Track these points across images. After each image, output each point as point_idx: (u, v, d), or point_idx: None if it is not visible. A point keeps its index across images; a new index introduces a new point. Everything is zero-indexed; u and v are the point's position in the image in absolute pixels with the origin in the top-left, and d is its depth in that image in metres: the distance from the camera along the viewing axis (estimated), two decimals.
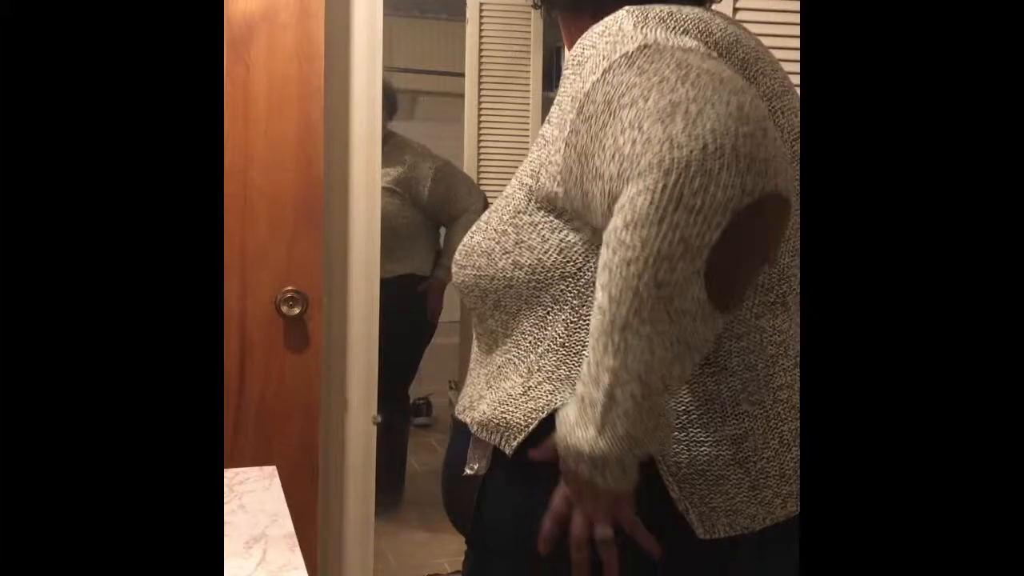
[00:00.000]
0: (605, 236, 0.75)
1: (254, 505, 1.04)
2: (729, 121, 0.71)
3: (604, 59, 0.82)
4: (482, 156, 3.24)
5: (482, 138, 3.23)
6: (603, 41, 0.84)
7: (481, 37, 3.20)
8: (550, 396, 0.88)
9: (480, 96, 3.21)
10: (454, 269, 0.98)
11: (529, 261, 0.89)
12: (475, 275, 0.93)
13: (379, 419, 1.80)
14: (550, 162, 0.86)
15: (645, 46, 0.80)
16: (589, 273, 0.87)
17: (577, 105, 0.82)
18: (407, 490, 3.09)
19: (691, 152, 0.70)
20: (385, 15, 1.72)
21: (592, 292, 0.87)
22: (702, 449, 0.85)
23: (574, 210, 0.86)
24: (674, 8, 0.86)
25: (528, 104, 3.25)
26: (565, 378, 0.88)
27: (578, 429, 0.78)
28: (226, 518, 0.99)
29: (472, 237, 0.95)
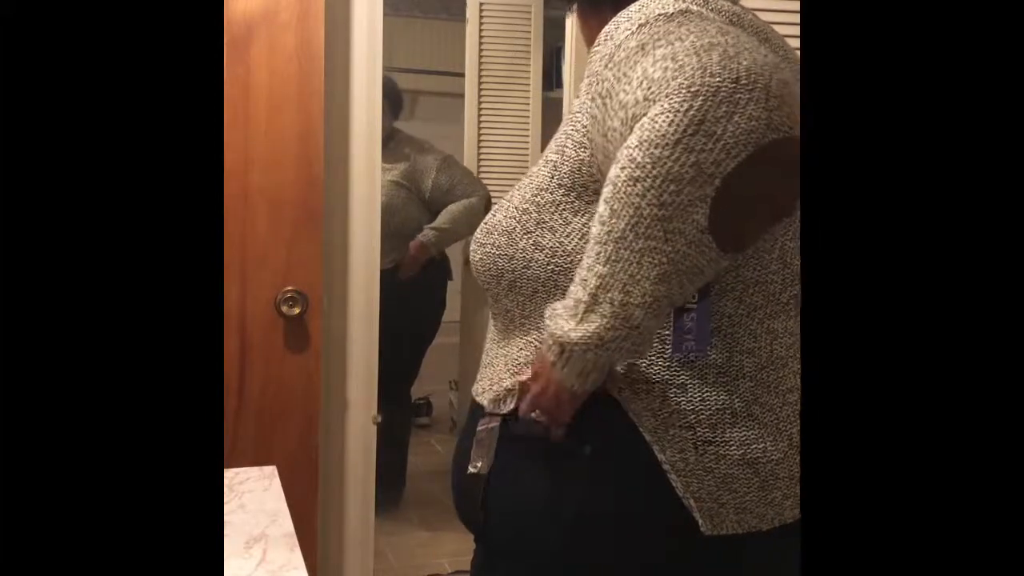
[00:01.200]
0: (617, 153, 0.75)
1: (254, 505, 1.04)
2: (765, 66, 0.72)
3: (639, 21, 0.83)
4: (482, 156, 3.24)
5: (482, 138, 3.23)
6: (635, 12, 0.86)
7: (481, 37, 3.19)
8: None
9: (480, 96, 3.21)
10: (472, 247, 0.97)
11: (550, 243, 0.88)
12: (494, 254, 0.92)
13: (379, 419, 1.80)
14: (576, 129, 0.86)
15: (686, 11, 0.81)
16: None
17: (605, 60, 0.82)
18: (407, 490, 3.09)
19: (723, 80, 0.70)
20: (385, 15, 1.72)
21: None
22: (709, 448, 0.85)
23: (599, 172, 0.85)
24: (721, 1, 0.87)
25: (528, 104, 3.25)
26: None
27: (559, 319, 0.80)
28: (226, 518, 0.99)
29: (494, 216, 0.94)
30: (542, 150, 3.32)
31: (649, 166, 0.72)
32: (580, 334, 0.78)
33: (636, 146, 0.72)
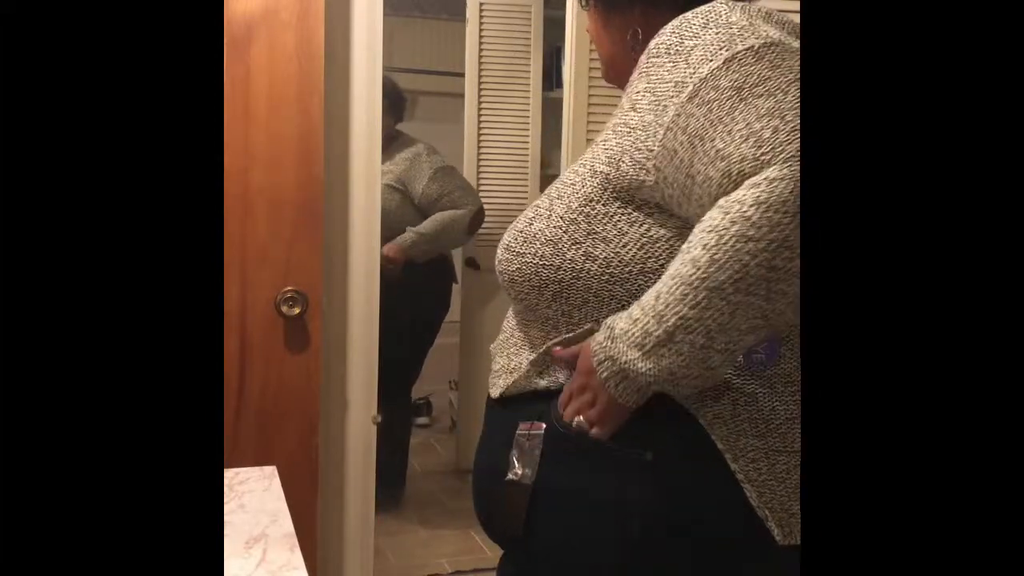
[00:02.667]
0: (722, 202, 0.75)
1: (254, 505, 1.04)
2: None
3: (722, 49, 0.81)
4: (482, 156, 3.24)
5: (482, 138, 3.23)
6: (710, 33, 0.83)
7: (481, 37, 3.19)
8: None
9: (480, 96, 3.21)
10: (505, 256, 0.94)
11: (604, 254, 0.87)
12: (536, 264, 0.90)
13: (379, 419, 1.80)
14: (638, 148, 0.85)
15: (771, 44, 0.80)
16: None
17: (688, 91, 0.81)
18: (407, 490, 3.09)
19: None
20: (385, 15, 1.72)
21: None
22: (780, 458, 0.85)
23: (664, 198, 0.84)
24: (758, 4, 0.87)
25: (528, 104, 3.25)
26: None
27: (621, 343, 0.79)
28: (226, 518, 0.99)
29: (531, 224, 0.92)
30: (542, 150, 3.31)
31: (766, 229, 0.72)
32: (650, 367, 0.78)
33: (752, 205, 0.73)
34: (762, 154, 0.74)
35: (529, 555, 0.94)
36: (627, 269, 0.86)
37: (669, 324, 0.76)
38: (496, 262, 0.97)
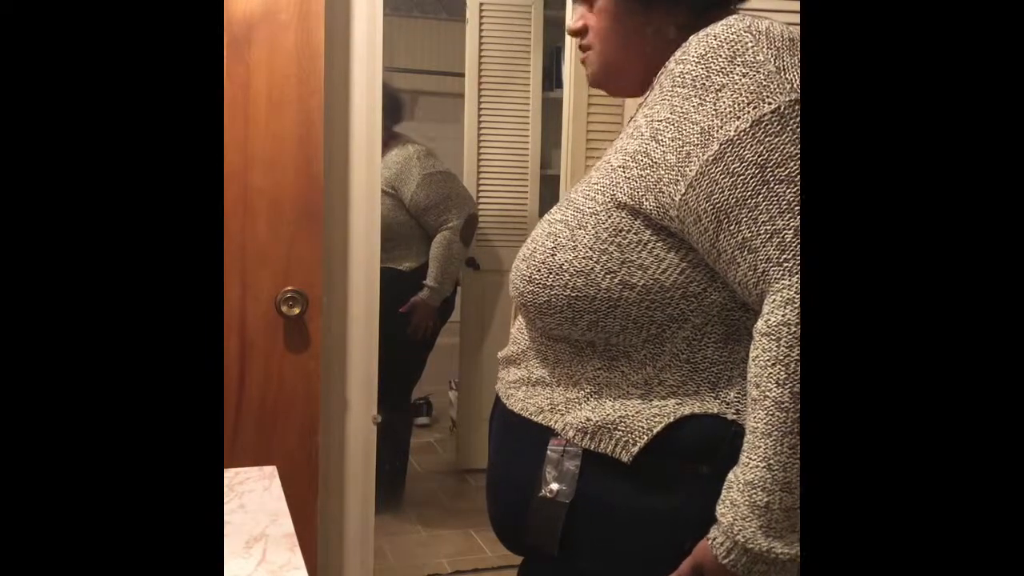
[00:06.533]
0: (776, 329, 0.78)
1: (254, 505, 1.04)
2: None
3: (749, 105, 0.80)
4: (482, 156, 3.24)
5: (482, 138, 3.23)
6: (737, 72, 0.81)
7: (481, 37, 3.19)
8: (677, 407, 0.87)
9: (480, 96, 3.21)
10: (528, 288, 0.92)
11: (642, 281, 0.86)
12: (569, 296, 0.89)
13: (379, 419, 1.80)
14: (661, 191, 0.84)
15: (795, 102, 0.80)
16: (714, 293, 0.86)
17: (713, 151, 0.80)
18: (407, 490, 3.09)
19: None
20: (385, 15, 1.72)
21: (718, 312, 0.86)
22: None
23: (695, 244, 0.84)
24: (778, 25, 0.85)
25: (528, 104, 3.25)
26: (693, 393, 0.88)
27: (750, 527, 0.78)
28: (226, 518, 0.99)
29: (554, 255, 0.90)
30: (542, 150, 3.29)
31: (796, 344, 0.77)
32: (794, 553, 0.78)
33: (795, 325, 0.77)
34: (785, 259, 0.78)
35: (570, 572, 0.93)
36: (668, 294, 0.86)
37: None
38: (516, 293, 0.95)
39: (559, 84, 3.18)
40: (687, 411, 0.87)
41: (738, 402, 0.87)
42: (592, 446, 0.89)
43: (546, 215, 0.98)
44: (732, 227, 0.80)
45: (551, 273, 0.90)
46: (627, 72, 0.98)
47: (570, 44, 2.51)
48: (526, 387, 0.96)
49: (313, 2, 1.55)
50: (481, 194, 3.23)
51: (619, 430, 0.88)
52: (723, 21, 0.85)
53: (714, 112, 0.81)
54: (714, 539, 0.81)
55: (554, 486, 0.90)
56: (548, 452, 0.91)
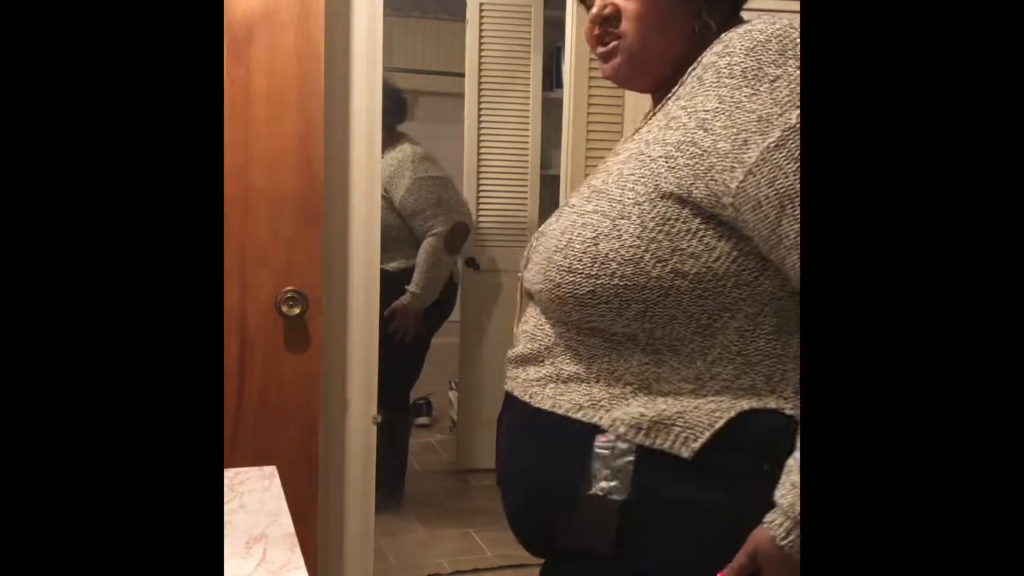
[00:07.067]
0: None
1: (254, 505, 1.04)
2: None
3: (786, 107, 0.80)
4: (482, 156, 3.24)
5: (482, 138, 3.23)
6: (791, 65, 0.81)
7: (481, 37, 3.19)
8: (733, 402, 0.86)
9: (480, 96, 3.21)
10: (568, 278, 0.88)
11: (694, 269, 0.85)
12: (617, 285, 0.86)
13: (379, 419, 1.80)
14: (713, 179, 0.83)
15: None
16: (767, 281, 0.85)
17: (775, 137, 0.80)
18: (407, 490, 3.09)
19: None
20: (385, 15, 1.72)
21: (769, 300, 0.86)
22: None
23: (743, 230, 0.83)
24: (793, 29, 0.84)
25: (528, 104, 3.25)
26: (748, 388, 0.87)
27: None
28: (226, 518, 0.99)
29: (596, 245, 0.87)
30: (542, 150, 3.29)
31: None
32: None
33: None
34: None
35: (624, 572, 0.90)
36: (720, 283, 0.85)
37: None
38: (550, 285, 0.91)
39: (559, 84, 3.18)
40: (745, 406, 0.86)
41: (795, 397, 0.85)
42: (647, 442, 0.87)
43: (567, 208, 0.95)
44: (797, 212, 0.79)
45: (595, 262, 0.87)
46: (656, 65, 0.94)
47: (570, 44, 2.51)
48: (555, 384, 0.93)
49: (313, 2, 1.55)
50: (481, 194, 3.23)
51: (677, 425, 0.86)
52: (762, 19, 0.85)
53: (772, 101, 0.81)
54: (772, 521, 0.81)
55: (605, 484, 0.87)
56: (595, 449, 0.88)
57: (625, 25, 0.93)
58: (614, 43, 0.94)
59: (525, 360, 0.98)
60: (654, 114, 0.94)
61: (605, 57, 0.97)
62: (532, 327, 0.98)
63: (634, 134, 0.96)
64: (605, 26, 0.95)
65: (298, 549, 0.93)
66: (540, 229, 1.02)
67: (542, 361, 0.95)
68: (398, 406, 2.94)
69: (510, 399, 1.01)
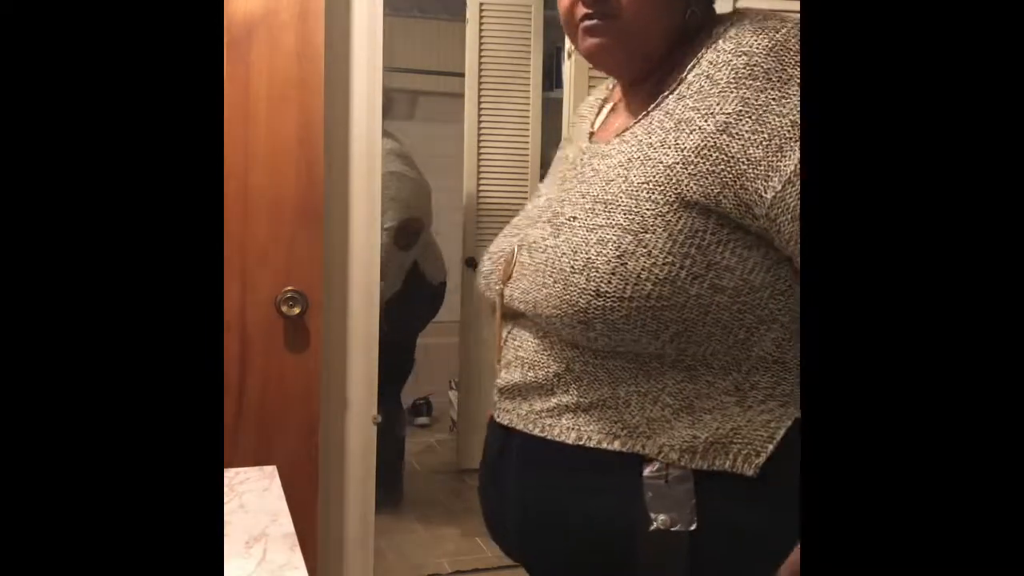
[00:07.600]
0: None
1: (254, 505, 1.04)
2: None
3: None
4: (482, 156, 3.24)
5: (482, 138, 3.23)
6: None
7: (481, 37, 3.19)
8: (782, 410, 0.83)
9: (480, 96, 3.21)
10: (597, 303, 0.81)
11: (732, 283, 0.80)
12: (654, 306, 0.79)
13: (379, 419, 1.80)
14: (744, 188, 0.79)
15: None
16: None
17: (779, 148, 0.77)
18: (407, 490, 3.09)
19: None
20: (385, 15, 1.72)
21: None
22: None
23: (775, 240, 0.80)
24: (794, 26, 0.82)
25: (528, 104, 3.25)
26: (789, 394, 0.83)
27: None
28: (226, 518, 0.99)
29: (624, 265, 0.80)
30: (542, 150, 3.29)
31: None
32: None
33: None
34: None
35: None
36: (758, 295, 0.81)
37: None
38: (573, 311, 0.82)
39: (559, 84, 3.18)
40: (796, 413, 0.82)
41: None
42: (704, 465, 0.81)
43: (566, 221, 0.87)
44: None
45: (627, 284, 0.79)
46: (653, 47, 0.89)
47: (570, 44, 2.50)
48: (573, 414, 0.86)
49: (313, 2, 1.55)
50: (481, 194, 3.23)
51: (735, 443, 0.81)
52: (758, 15, 0.83)
53: (792, 105, 0.78)
54: None
55: (665, 516, 0.81)
56: (645, 480, 0.82)
57: (633, 22, 0.87)
58: (600, 21, 0.87)
59: (525, 390, 0.90)
60: (648, 113, 0.87)
61: (591, 32, 0.88)
62: (530, 352, 0.90)
63: (623, 132, 0.89)
64: (591, 6, 0.87)
65: (298, 549, 0.93)
66: (516, 240, 0.96)
67: (551, 390, 0.87)
68: (389, 403, 2.94)
69: (508, 435, 0.93)
